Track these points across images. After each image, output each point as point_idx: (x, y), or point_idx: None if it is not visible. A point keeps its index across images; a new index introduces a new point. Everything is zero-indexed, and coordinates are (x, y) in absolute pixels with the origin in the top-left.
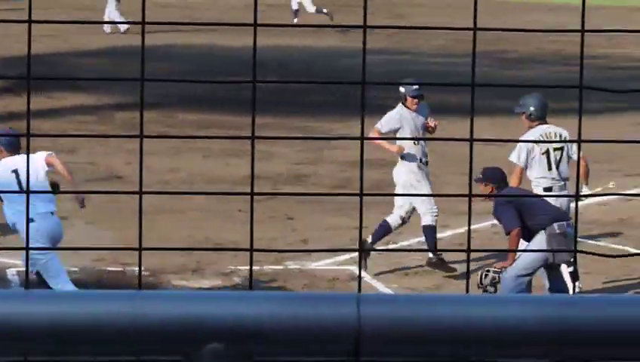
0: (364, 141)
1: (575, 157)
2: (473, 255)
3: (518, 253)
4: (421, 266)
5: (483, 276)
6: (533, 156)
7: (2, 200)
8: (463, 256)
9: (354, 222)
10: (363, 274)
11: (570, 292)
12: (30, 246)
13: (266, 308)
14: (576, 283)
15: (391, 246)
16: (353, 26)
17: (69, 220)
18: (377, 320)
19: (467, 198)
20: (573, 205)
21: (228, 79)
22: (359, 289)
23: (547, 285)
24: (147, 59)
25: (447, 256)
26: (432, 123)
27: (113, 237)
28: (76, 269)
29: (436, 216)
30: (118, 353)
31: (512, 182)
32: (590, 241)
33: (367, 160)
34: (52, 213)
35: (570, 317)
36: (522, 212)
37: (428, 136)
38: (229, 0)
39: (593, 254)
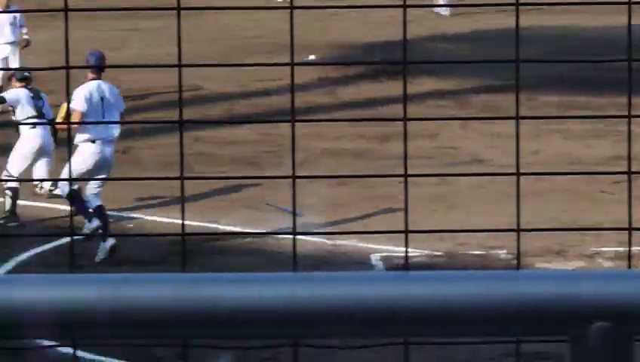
0: None
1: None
2: None
3: None
4: None
5: None
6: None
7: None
8: None
9: None
10: None
11: None
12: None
13: None
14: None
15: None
16: None
17: (445, 203)
18: None
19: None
20: None
21: (590, 59)
22: None
23: None
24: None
25: None
26: None
27: (478, 221)
28: (441, 253)
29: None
30: (495, 333)
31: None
32: None
33: None
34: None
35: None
36: None
37: None
38: None
39: None
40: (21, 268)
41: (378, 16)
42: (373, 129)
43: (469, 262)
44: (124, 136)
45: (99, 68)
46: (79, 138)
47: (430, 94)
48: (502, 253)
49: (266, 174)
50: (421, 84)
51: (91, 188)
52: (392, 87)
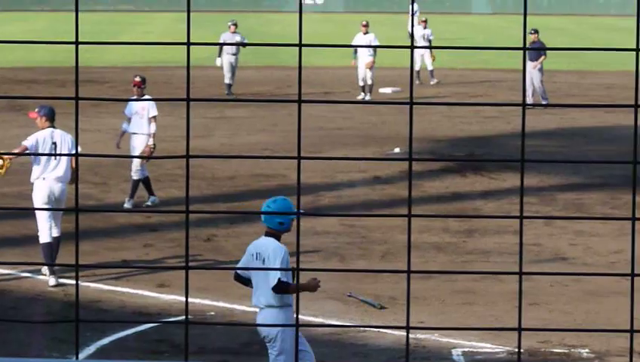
0: None
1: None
2: None
3: None
4: None
5: None
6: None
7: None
8: None
9: None
10: None
11: None
12: None
13: None
14: None
15: None
16: None
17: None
18: None
19: None
20: None
21: None
22: None
23: None
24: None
25: None
26: None
27: (559, 319)
28: (522, 350)
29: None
30: None
31: None
32: None
33: None
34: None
35: None
36: None
37: None
38: None
39: None
40: (101, 354)
41: (464, 110)
42: (457, 223)
43: (551, 360)
44: (207, 223)
45: (52, 118)
46: (32, 177)
47: (513, 190)
48: (584, 352)
49: (350, 266)
50: (505, 180)
51: (42, 219)
52: (476, 182)
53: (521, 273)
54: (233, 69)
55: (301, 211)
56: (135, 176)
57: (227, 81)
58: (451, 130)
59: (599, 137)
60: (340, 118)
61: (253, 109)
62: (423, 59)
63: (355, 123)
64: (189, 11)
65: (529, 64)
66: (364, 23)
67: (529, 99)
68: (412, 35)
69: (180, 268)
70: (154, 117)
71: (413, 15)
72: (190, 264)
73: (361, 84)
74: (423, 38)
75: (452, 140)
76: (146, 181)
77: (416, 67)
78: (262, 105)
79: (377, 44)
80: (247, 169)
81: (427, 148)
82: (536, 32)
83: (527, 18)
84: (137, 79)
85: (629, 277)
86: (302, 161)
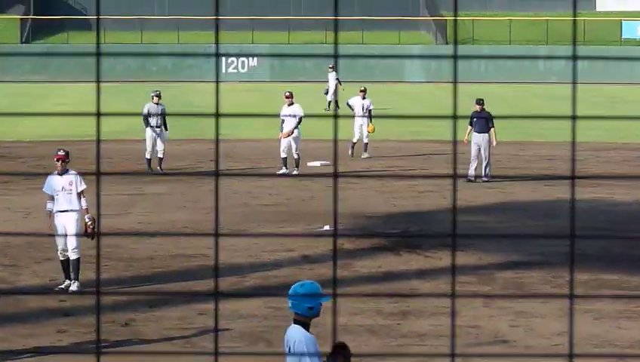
0: None
1: None
2: None
3: None
4: None
5: None
6: None
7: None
8: None
9: None
10: None
11: None
12: None
13: None
14: None
15: None
16: None
17: None
18: None
19: None
20: None
21: (622, 235)
22: None
23: None
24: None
25: None
26: None
27: None
28: None
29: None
30: None
31: None
32: None
33: None
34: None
35: None
36: None
37: None
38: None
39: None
40: None
41: (397, 185)
42: (391, 305)
43: None
44: (125, 307)
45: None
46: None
47: (450, 269)
48: None
49: (276, 349)
50: (441, 258)
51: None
52: (411, 261)
53: (453, 354)
54: (156, 142)
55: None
56: (74, 255)
57: (147, 155)
58: (384, 206)
59: (540, 212)
60: (266, 193)
61: (173, 185)
62: (362, 130)
63: (282, 199)
64: (98, 81)
65: (478, 137)
66: (286, 93)
67: (471, 173)
68: (336, 102)
69: (92, 353)
70: (83, 191)
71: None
72: (106, 350)
73: (283, 155)
74: (363, 108)
75: (385, 216)
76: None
77: (354, 138)
78: (182, 180)
79: (301, 113)
80: (167, 249)
81: (358, 224)
82: (481, 102)
83: (465, 87)
84: (61, 153)
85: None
86: (225, 240)
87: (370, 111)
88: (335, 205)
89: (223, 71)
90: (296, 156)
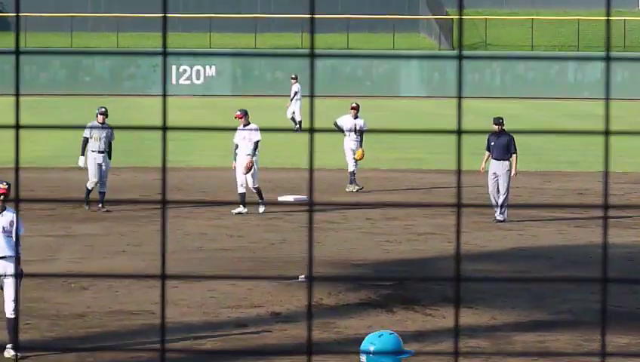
0: None
1: None
2: None
3: None
4: None
5: None
6: None
7: None
8: None
9: None
10: None
11: None
12: None
13: None
14: None
15: None
16: None
17: None
18: None
19: None
20: None
21: None
22: None
23: None
24: (558, 264)
25: None
26: None
27: None
28: None
29: None
30: None
31: None
32: None
33: None
34: None
35: None
36: None
37: None
38: None
39: None
40: None
41: (390, 226)
42: None
43: None
44: None
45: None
46: None
47: (462, 328)
48: None
49: None
50: (445, 316)
51: None
52: (407, 319)
53: None
54: (102, 170)
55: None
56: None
57: (90, 185)
58: (374, 251)
59: (568, 259)
60: (226, 235)
61: (109, 225)
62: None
63: (245, 242)
64: (17, 93)
65: (497, 165)
66: (238, 113)
67: (497, 214)
68: (300, 123)
69: None
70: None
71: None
72: None
73: (240, 190)
74: (354, 128)
75: (375, 264)
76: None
77: (350, 167)
78: (121, 218)
79: (258, 137)
80: (103, 304)
81: (342, 274)
82: (500, 121)
83: (477, 103)
84: (1, 187)
85: None
86: (175, 294)
87: (362, 133)
88: (310, 243)
89: (174, 82)
90: (255, 189)
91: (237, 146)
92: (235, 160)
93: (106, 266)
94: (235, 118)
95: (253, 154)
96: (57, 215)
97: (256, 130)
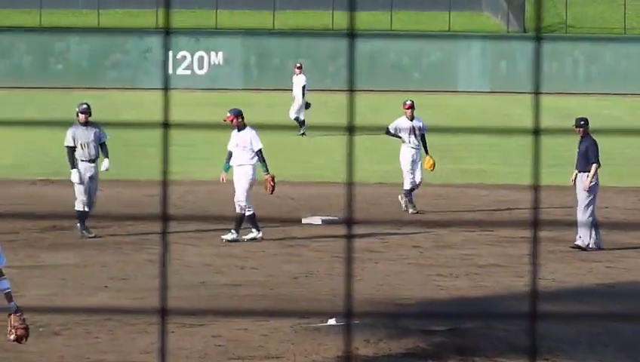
0: None
1: None
2: None
3: None
4: None
5: None
6: None
7: None
8: None
9: None
10: None
11: None
12: None
13: None
14: None
15: None
16: None
17: None
18: None
19: None
20: None
21: None
22: None
23: None
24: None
25: None
26: None
27: None
28: None
29: None
30: None
31: None
32: None
33: None
34: None
35: None
36: None
37: None
38: None
39: None
40: None
41: (444, 257)
42: None
43: None
44: None
45: None
46: None
47: None
48: None
49: None
50: None
51: None
52: None
53: None
54: (92, 186)
55: None
56: None
57: (79, 206)
58: (424, 288)
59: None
60: (236, 266)
61: (87, 253)
62: (415, 168)
63: (260, 276)
64: None
65: (578, 178)
66: (228, 115)
67: (587, 241)
68: (297, 119)
69: None
70: None
71: (303, 88)
72: None
73: (239, 210)
74: (413, 132)
75: (424, 304)
76: None
77: (407, 183)
78: (102, 245)
79: (259, 145)
80: (79, 353)
81: (383, 314)
82: (583, 123)
83: (554, 100)
84: None
85: None
86: (174, 341)
87: (423, 136)
88: (349, 276)
89: (170, 71)
90: (248, 211)
91: (230, 155)
92: (226, 171)
93: (85, 305)
94: (225, 121)
95: (266, 169)
96: (22, 240)
97: (254, 135)
